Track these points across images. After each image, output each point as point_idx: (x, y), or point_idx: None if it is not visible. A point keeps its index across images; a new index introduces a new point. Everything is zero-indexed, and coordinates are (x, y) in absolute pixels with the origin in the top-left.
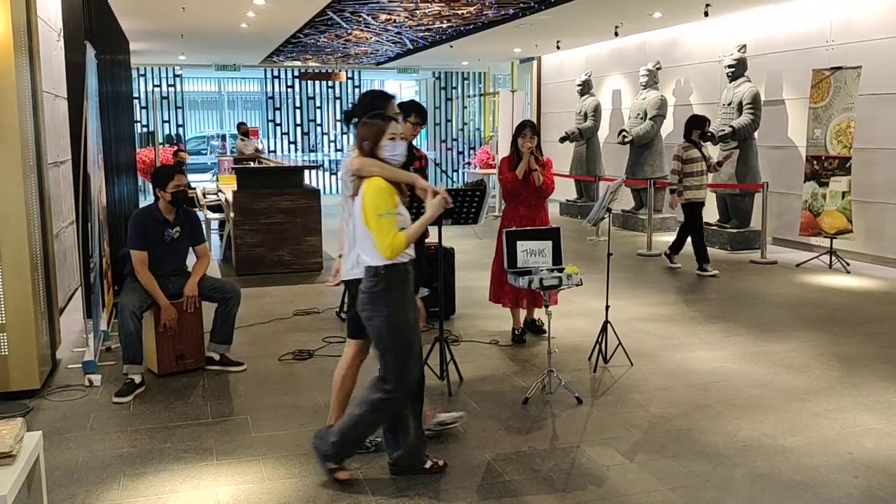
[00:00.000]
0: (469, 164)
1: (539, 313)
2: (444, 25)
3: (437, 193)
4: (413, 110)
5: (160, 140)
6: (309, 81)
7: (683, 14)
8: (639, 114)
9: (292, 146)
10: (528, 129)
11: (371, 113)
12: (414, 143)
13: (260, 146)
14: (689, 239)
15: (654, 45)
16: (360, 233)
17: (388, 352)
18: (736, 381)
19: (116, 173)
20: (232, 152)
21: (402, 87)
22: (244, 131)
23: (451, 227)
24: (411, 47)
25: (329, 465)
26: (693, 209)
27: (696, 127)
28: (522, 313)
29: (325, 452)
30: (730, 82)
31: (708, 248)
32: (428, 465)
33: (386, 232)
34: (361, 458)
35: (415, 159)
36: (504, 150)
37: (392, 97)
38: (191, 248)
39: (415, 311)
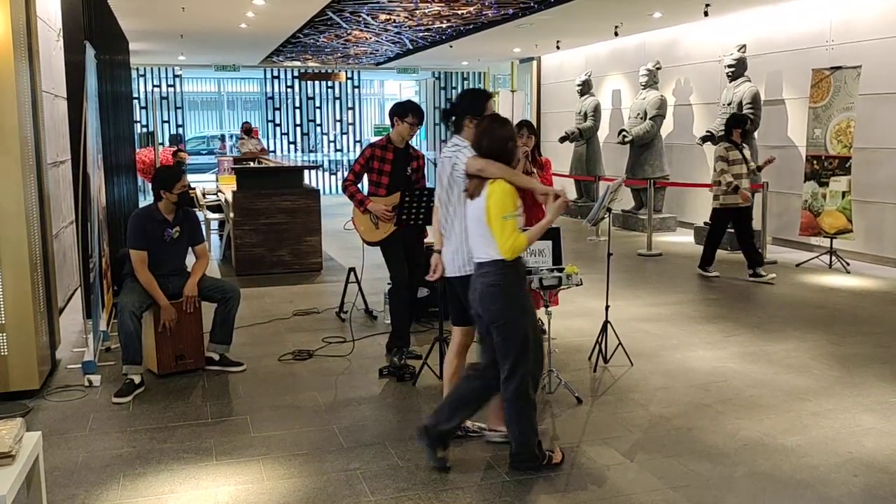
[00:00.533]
0: None
1: (539, 313)
2: (444, 25)
3: (558, 196)
4: (410, 111)
5: (165, 140)
6: (308, 82)
7: (683, 14)
8: (639, 114)
9: (292, 146)
10: (524, 130)
11: (495, 114)
12: (411, 142)
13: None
14: (708, 242)
15: (653, 44)
16: (477, 231)
17: (522, 337)
18: (736, 381)
19: (116, 173)
20: (232, 152)
21: (401, 88)
22: (246, 129)
23: None
24: (411, 47)
25: (540, 463)
26: (727, 214)
27: (737, 126)
28: None
29: (527, 457)
30: (730, 82)
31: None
32: (440, 454)
33: (509, 233)
34: (362, 457)
35: (412, 159)
36: None
37: (491, 96)
38: (190, 249)
39: None
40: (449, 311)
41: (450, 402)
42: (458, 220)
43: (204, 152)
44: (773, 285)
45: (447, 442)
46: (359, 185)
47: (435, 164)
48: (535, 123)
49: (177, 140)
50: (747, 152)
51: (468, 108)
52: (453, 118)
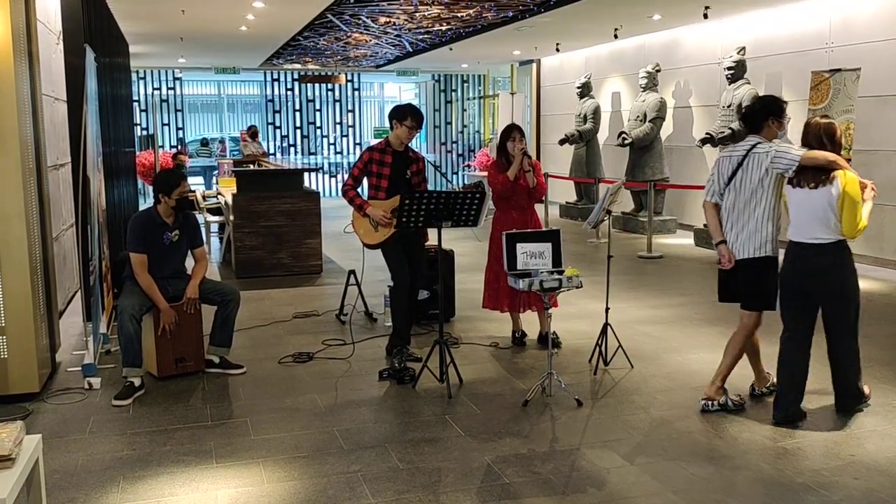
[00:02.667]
0: (469, 166)
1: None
2: (444, 28)
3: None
4: (409, 114)
5: (166, 144)
6: (308, 84)
7: (683, 16)
8: (638, 116)
9: (292, 149)
10: (516, 132)
11: (824, 115)
12: (410, 145)
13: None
14: None
15: (653, 47)
16: (824, 215)
17: (855, 305)
18: (737, 383)
19: (116, 176)
20: (232, 154)
21: (401, 90)
22: (252, 132)
23: (450, 230)
24: (411, 50)
25: (863, 401)
26: None
27: None
28: (522, 316)
29: (854, 397)
30: (729, 84)
31: (708, 250)
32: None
33: (859, 217)
34: (362, 459)
35: (412, 162)
36: None
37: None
38: (189, 252)
39: None
40: (738, 295)
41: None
42: (759, 208)
43: (192, 155)
44: None
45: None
46: (358, 190)
47: (435, 167)
48: (534, 126)
49: (205, 142)
50: None
51: (771, 111)
52: (752, 118)
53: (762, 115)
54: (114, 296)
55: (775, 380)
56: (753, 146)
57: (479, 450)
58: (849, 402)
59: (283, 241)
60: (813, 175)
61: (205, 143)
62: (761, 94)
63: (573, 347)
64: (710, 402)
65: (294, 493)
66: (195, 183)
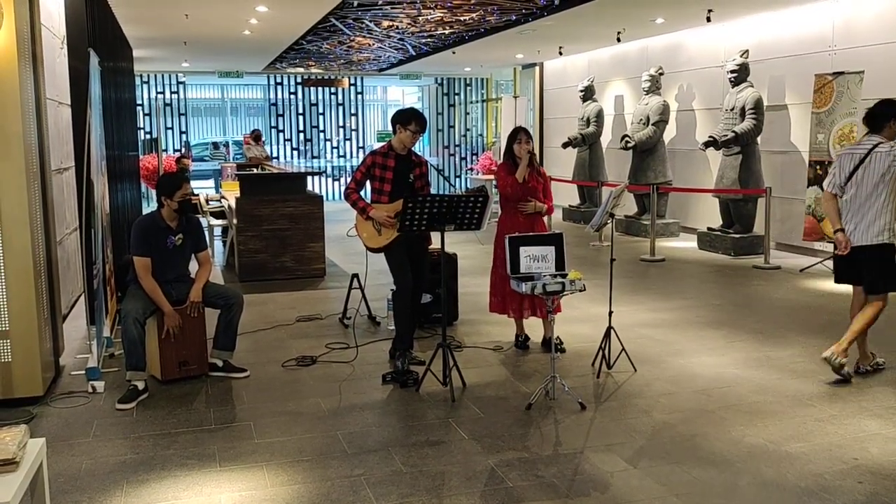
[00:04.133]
0: (472, 169)
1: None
2: (447, 32)
3: None
4: (413, 118)
5: (169, 148)
6: (311, 88)
7: (686, 19)
8: (641, 119)
9: (295, 152)
10: (522, 134)
11: None
12: (414, 149)
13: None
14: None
15: (656, 50)
16: None
17: None
18: (740, 387)
19: (119, 180)
20: (235, 158)
21: (404, 94)
22: (255, 136)
23: (453, 233)
24: (414, 53)
25: None
26: None
27: None
28: (525, 320)
29: None
30: (732, 87)
31: (711, 254)
32: None
33: None
34: (366, 463)
35: (414, 166)
36: None
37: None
38: (193, 255)
39: None
40: (846, 276)
41: None
42: (879, 200)
43: (207, 158)
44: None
45: None
46: (361, 193)
47: (438, 170)
48: (537, 129)
49: (217, 146)
50: None
51: (893, 114)
52: (873, 119)
53: (885, 116)
54: (117, 299)
55: (879, 359)
56: (875, 145)
57: (483, 453)
58: None
59: (286, 244)
60: None
61: (217, 146)
62: (764, 97)
63: (576, 351)
64: (834, 355)
65: (297, 496)
66: (206, 187)
